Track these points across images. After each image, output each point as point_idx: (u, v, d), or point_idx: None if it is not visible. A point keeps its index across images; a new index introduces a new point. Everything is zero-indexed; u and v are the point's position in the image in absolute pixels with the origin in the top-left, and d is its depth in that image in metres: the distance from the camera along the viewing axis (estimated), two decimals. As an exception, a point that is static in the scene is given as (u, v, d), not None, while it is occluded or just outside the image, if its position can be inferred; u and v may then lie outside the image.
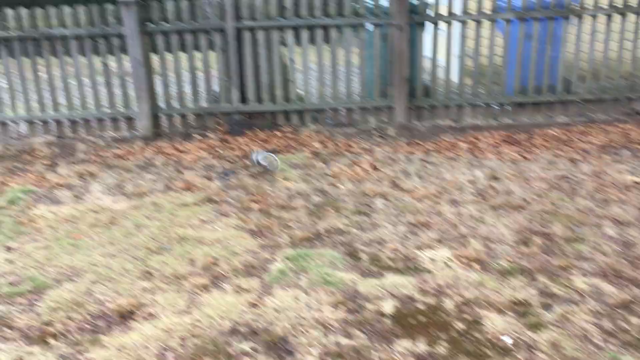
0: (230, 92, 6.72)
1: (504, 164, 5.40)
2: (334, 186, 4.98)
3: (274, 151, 5.98)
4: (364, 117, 6.81)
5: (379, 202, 4.57)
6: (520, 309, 3.03)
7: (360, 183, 5.02)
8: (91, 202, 4.76)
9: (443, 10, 6.44)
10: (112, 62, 6.61)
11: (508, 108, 6.74)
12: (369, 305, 3.10)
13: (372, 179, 5.12)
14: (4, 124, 6.72)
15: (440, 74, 6.72)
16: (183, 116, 6.81)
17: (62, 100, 6.83)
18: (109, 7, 6.43)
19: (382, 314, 3.01)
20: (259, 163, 5.38)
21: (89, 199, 4.84)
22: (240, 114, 6.77)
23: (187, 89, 6.87)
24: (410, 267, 3.54)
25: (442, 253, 3.68)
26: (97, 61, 6.59)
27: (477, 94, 6.69)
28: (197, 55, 6.65)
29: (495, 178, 5.03)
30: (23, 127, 6.83)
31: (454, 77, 6.80)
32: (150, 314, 3.06)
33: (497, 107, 6.78)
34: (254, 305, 3.12)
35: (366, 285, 3.31)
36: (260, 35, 6.52)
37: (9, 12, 6.37)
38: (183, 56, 6.66)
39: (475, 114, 6.78)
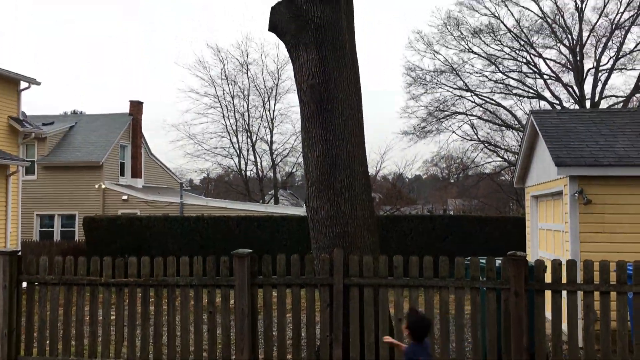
0: (332, 349, 6.41)
1: None
2: None
3: None
4: (478, 387, 6.16)
5: None
6: None
7: None
8: None
9: (563, 275, 6.08)
10: (218, 305, 6.62)
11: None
12: None
13: None
14: (105, 367, 6.68)
15: (564, 340, 6.11)
16: (282, 371, 6.49)
17: (164, 340, 6.79)
18: (224, 258, 6.66)
19: None
20: None
21: None
22: (341, 374, 6.34)
23: (288, 337, 6.65)
24: None
25: None
26: (204, 303, 6.64)
27: (609, 369, 5.93)
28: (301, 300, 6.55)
29: None
30: (123, 371, 6.75)
31: (579, 344, 6.15)
32: None
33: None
34: None
35: None
36: (368, 293, 6.39)
37: (133, 259, 6.75)
38: (287, 304, 6.59)
39: (608, 393, 5.93)
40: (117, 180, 27.51)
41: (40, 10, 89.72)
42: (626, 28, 32.73)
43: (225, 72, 39.68)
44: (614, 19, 32.90)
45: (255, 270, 6.61)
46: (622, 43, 32.92)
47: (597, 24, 33.45)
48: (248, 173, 42.37)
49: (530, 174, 11.90)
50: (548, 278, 6.17)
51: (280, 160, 42.59)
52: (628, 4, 32.35)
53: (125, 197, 25.80)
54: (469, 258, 6.42)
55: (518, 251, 6.16)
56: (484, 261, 6.42)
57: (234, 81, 39.84)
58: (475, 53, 35.97)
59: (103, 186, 25.83)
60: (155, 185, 30.71)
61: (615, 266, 5.95)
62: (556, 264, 6.10)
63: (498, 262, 6.42)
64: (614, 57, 33.06)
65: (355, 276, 6.41)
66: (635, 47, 32.93)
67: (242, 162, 41.29)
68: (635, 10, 32.16)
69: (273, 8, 7.21)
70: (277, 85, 40.01)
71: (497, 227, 18.27)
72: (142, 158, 29.79)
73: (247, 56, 40.37)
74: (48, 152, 26.43)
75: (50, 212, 26.06)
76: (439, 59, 36.58)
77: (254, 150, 41.16)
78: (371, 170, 35.89)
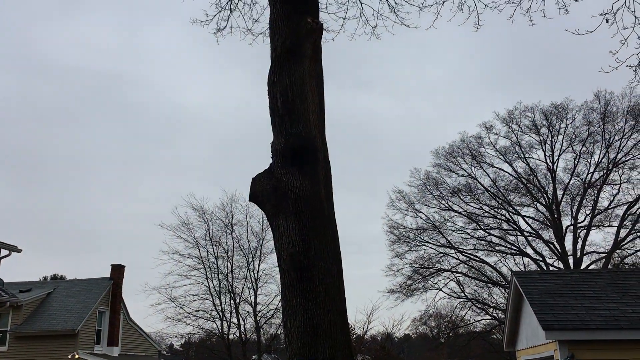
0: None
1: None
2: None
3: None
4: None
5: None
6: None
7: None
8: None
9: None
10: None
11: None
12: None
13: None
14: None
15: None
16: None
17: None
18: None
19: None
20: None
21: None
22: None
23: None
24: None
25: None
26: None
27: None
28: None
29: None
30: None
31: None
32: None
33: None
34: None
35: None
36: None
37: None
38: None
39: None
40: (92, 349, 26.26)
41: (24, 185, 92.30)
42: (598, 187, 34.18)
43: (209, 233, 39.91)
44: (585, 179, 34.48)
45: None
46: (596, 201, 34.16)
47: (570, 183, 34.99)
48: (231, 337, 40.88)
49: (520, 337, 11.59)
50: None
51: (265, 322, 41.34)
52: (597, 165, 34.13)
53: (99, 367, 24.47)
54: None
55: None
56: None
57: (218, 242, 39.93)
58: (455, 211, 36.95)
59: (77, 356, 24.58)
60: (132, 353, 29.31)
61: None
62: None
63: None
64: (590, 215, 34.09)
65: None
66: (609, 205, 34.13)
67: (225, 325, 40.01)
68: (605, 171, 33.82)
69: (254, 179, 7.44)
70: (261, 246, 40.11)
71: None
72: (120, 324, 28.75)
73: (232, 217, 40.87)
74: (22, 321, 25.46)
75: (17, 385, 24.45)
76: (420, 217, 37.43)
77: (237, 312, 40.13)
78: (358, 332, 34.87)
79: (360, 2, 12.71)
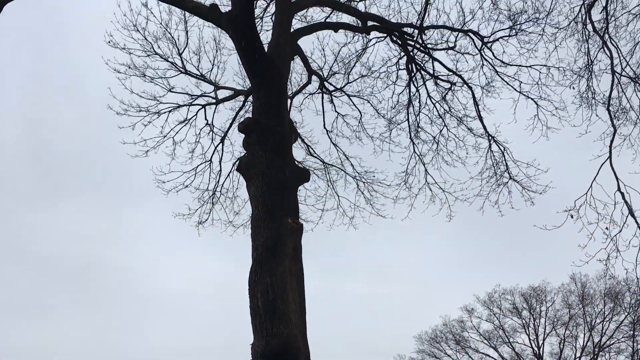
0: None
1: None
2: None
3: None
4: None
5: None
6: None
7: None
8: None
9: None
10: None
11: None
12: None
13: None
14: None
15: None
16: None
17: None
18: None
19: None
20: None
21: None
22: None
23: None
24: None
25: None
26: None
27: None
28: None
29: None
30: None
31: None
32: None
33: None
34: None
35: None
36: None
37: None
38: None
39: None
40: None
41: None
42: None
43: None
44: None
45: None
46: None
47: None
48: None
49: None
50: None
51: None
52: (583, 349, 33.38)
53: None
54: None
55: None
56: None
57: None
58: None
59: None
60: None
61: None
62: None
63: None
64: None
65: None
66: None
67: None
68: (592, 355, 33.02)
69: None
70: None
71: None
72: None
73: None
74: None
75: None
76: None
77: None
78: None
79: (337, 195, 13.34)
